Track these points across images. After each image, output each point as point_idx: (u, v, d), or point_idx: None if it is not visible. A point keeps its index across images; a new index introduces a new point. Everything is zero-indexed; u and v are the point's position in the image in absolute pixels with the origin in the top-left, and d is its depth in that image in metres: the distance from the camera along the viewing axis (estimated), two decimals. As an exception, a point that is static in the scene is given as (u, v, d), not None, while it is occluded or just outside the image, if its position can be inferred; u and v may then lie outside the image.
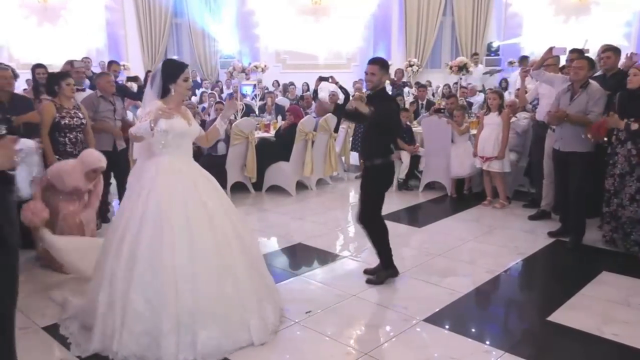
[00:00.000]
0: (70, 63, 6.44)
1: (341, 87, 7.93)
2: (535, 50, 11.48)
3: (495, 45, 13.07)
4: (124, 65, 11.12)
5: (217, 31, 14.38)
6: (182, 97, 3.18)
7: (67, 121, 4.54)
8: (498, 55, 12.97)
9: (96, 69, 10.41)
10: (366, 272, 4.07)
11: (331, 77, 7.77)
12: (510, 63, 12.17)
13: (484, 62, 13.03)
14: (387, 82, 4.28)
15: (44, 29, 12.64)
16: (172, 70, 3.11)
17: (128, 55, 13.64)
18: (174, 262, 2.85)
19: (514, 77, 10.26)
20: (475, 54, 12.50)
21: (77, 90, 6.07)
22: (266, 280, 3.31)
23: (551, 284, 4.22)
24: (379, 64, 3.80)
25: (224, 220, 3.10)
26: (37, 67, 6.55)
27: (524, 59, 10.02)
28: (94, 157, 4.20)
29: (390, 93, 7.35)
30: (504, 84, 11.14)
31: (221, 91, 11.77)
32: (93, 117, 5.05)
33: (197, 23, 14.32)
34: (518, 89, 6.62)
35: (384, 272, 3.99)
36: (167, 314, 2.80)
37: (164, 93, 3.09)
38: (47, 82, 4.77)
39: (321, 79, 7.95)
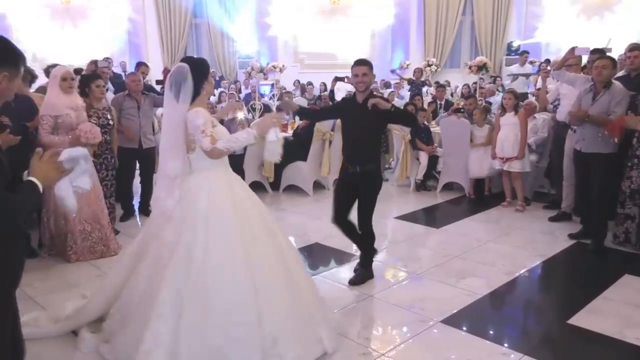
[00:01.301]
0: (95, 63, 6.55)
1: None
2: (556, 50, 11.32)
3: (515, 44, 12.91)
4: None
5: (235, 31, 14.46)
6: (208, 97, 3.00)
7: (93, 121, 4.59)
8: (518, 55, 12.80)
9: (117, 69, 10.56)
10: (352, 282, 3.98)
11: (347, 77, 7.77)
12: (531, 63, 12.01)
13: (504, 62, 12.89)
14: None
15: (66, 30, 12.84)
16: (203, 68, 2.86)
17: (148, 55, 13.78)
18: (255, 287, 2.62)
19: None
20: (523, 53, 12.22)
21: None
22: (313, 284, 3.22)
23: (571, 286, 4.16)
24: (368, 64, 3.80)
25: (276, 231, 2.96)
26: (50, 68, 6.68)
27: (524, 54, 9.94)
28: (86, 126, 4.23)
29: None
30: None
31: (239, 91, 11.83)
32: (118, 116, 5.16)
33: (216, 23, 14.41)
34: (539, 89, 6.54)
35: (364, 270, 4.00)
36: (253, 347, 2.58)
37: (196, 95, 2.80)
38: (79, 83, 4.87)
39: (337, 79, 7.95)
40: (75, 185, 2.11)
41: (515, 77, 10.72)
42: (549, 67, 7.11)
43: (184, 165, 2.85)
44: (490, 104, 8.75)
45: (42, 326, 3.11)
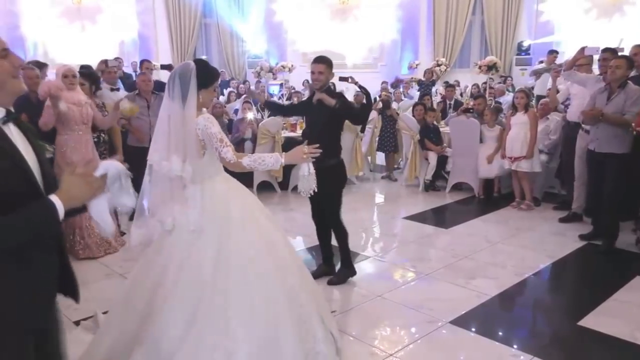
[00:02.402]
0: (105, 62, 6.59)
1: (360, 87, 7.91)
2: (567, 49, 11.23)
3: (525, 44, 12.83)
4: (154, 65, 11.31)
5: (245, 31, 14.51)
6: (204, 107, 2.73)
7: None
8: (529, 54, 12.73)
9: (127, 69, 10.62)
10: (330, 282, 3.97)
11: (350, 77, 7.75)
12: (541, 62, 11.93)
13: (514, 62, 12.81)
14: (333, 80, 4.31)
15: (78, 29, 12.97)
16: (209, 74, 2.69)
17: (158, 55, 13.87)
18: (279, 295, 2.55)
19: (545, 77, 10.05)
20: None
21: (112, 90, 6.23)
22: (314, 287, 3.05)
23: (582, 288, 4.13)
24: (326, 62, 3.81)
25: (280, 235, 2.87)
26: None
27: (552, 53, 9.81)
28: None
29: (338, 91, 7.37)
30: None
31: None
32: (129, 115, 5.19)
33: (226, 23, 14.47)
34: (549, 90, 6.50)
35: (344, 270, 4.00)
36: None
37: (191, 99, 2.61)
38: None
39: (341, 79, 7.94)
40: (116, 204, 1.80)
41: (538, 75, 10.57)
42: (559, 67, 7.05)
43: (192, 169, 2.61)
44: (500, 104, 8.70)
45: None
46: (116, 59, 9.44)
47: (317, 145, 2.71)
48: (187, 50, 14.37)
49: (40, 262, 1.52)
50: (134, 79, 7.81)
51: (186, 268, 2.51)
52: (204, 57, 14.83)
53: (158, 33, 14.16)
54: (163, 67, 7.67)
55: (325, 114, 3.76)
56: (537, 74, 10.18)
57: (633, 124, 4.31)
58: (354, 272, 4.02)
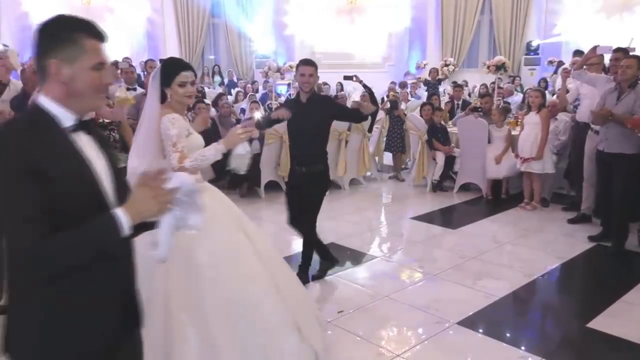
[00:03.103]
0: (115, 64, 6.66)
1: (365, 86, 7.90)
2: (574, 48, 11.15)
3: (534, 44, 12.75)
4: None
5: (253, 31, 14.54)
6: (182, 105, 2.66)
7: (98, 119, 4.65)
8: (537, 54, 12.65)
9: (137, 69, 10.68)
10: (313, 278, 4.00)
11: (355, 76, 7.72)
12: (550, 62, 11.85)
13: (523, 62, 12.74)
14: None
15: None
16: (167, 70, 2.62)
17: (166, 55, 13.93)
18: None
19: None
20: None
21: (128, 89, 6.27)
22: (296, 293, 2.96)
23: (591, 289, 4.09)
24: (315, 65, 3.80)
25: (256, 233, 2.84)
26: None
27: (577, 54, 9.70)
28: None
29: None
30: (543, 84, 10.86)
31: (256, 90, 11.90)
32: (137, 114, 5.22)
33: (234, 23, 14.51)
34: (559, 90, 6.46)
35: (324, 263, 4.03)
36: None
37: (162, 98, 2.63)
38: None
39: (345, 77, 7.95)
40: (184, 224, 1.50)
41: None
42: (567, 66, 7.00)
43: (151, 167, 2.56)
44: (508, 104, 8.66)
45: None
46: (124, 59, 9.50)
47: (253, 128, 2.70)
48: (195, 50, 14.42)
49: (100, 281, 1.38)
50: (142, 78, 7.86)
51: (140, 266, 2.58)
52: (211, 57, 14.93)
53: (166, 33, 14.22)
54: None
55: (316, 118, 3.72)
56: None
57: (625, 121, 4.26)
58: (336, 259, 4.08)
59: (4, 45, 11.63)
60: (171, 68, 2.63)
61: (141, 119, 2.68)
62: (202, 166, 2.57)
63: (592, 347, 3.13)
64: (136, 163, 2.63)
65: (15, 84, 5.09)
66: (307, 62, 3.82)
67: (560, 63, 9.81)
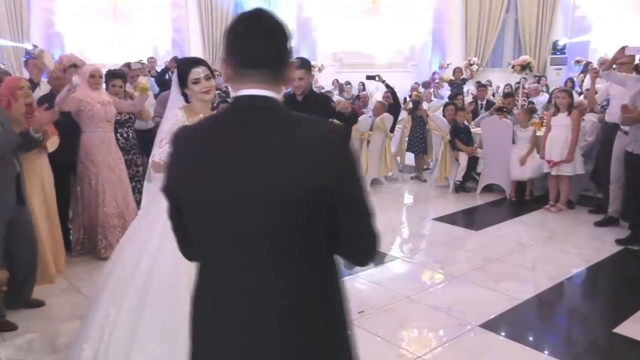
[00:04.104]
0: (128, 65, 6.74)
1: (387, 86, 7.87)
2: (605, 48, 10.92)
3: (561, 43, 12.52)
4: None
5: (275, 31, 14.60)
6: (204, 103, 2.57)
7: (115, 116, 4.65)
8: (564, 53, 12.42)
9: (161, 68, 10.82)
10: None
11: (377, 75, 7.71)
12: (577, 62, 11.63)
13: (549, 61, 12.52)
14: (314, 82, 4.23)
15: (113, 30, 13.27)
16: (180, 72, 2.57)
17: (190, 54, 14.06)
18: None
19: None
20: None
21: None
22: None
23: (619, 293, 4.00)
24: (305, 66, 3.70)
25: None
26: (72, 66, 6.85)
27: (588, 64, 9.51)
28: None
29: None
30: (570, 84, 10.66)
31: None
32: (163, 112, 5.25)
33: (257, 23, 14.61)
34: (587, 90, 6.33)
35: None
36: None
37: (186, 100, 2.60)
38: (104, 79, 4.99)
39: (368, 77, 7.93)
40: None
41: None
42: (596, 66, 6.86)
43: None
44: (533, 104, 8.52)
45: (37, 351, 2.92)
46: (149, 59, 9.63)
47: None
48: (219, 50, 14.54)
49: None
50: (167, 77, 7.93)
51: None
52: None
53: (191, 32, 14.38)
54: (177, 60, 7.75)
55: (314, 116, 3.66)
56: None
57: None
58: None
59: (34, 45, 11.93)
60: (183, 68, 2.58)
61: (162, 123, 2.68)
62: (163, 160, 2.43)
63: (618, 353, 3.06)
64: (153, 152, 2.59)
65: (46, 84, 5.21)
66: (296, 65, 3.65)
67: (588, 63, 9.61)
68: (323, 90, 10.87)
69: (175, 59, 7.55)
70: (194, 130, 1.30)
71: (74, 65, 4.15)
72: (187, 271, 2.20)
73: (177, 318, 2.17)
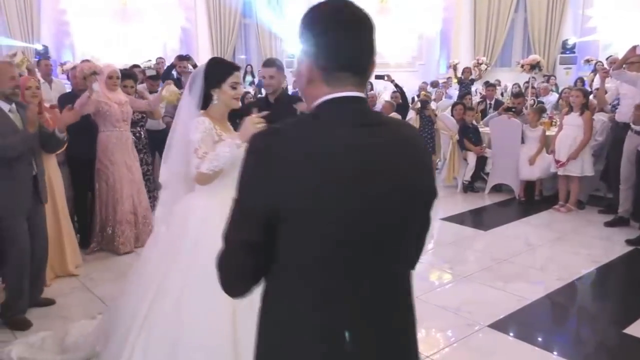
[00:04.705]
0: (134, 67, 6.83)
1: (396, 85, 7.85)
2: (612, 47, 10.84)
3: (570, 42, 12.43)
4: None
5: (283, 31, 14.62)
6: (227, 108, 2.47)
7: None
8: (574, 53, 12.33)
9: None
10: None
11: (387, 75, 7.70)
12: (587, 61, 11.54)
13: (558, 60, 12.43)
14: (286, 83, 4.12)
15: (122, 30, 13.35)
16: (217, 71, 2.43)
17: (198, 56, 14.13)
18: (237, 336, 2.22)
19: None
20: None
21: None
22: None
23: (629, 294, 3.97)
24: (277, 65, 3.66)
25: None
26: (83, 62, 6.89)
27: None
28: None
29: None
30: (580, 83, 10.58)
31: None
32: (173, 112, 5.32)
33: (265, 23, 14.63)
34: (597, 89, 6.29)
35: None
36: None
37: (205, 102, 2.43)
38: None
39: (377, 77, 7.93)
40: None
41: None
42: (606, 66, 6.82)
43: (177, 177, 2.48)
44: (542, 103, 8.48)
45: (47, 350, 2.91)
46: (158, 59, 9.67)
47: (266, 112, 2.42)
48: (227, 51, 14.59)
49: None
50: (175, 77, 7.95)
51: (136, 278, 2.55)
52: (242, 57, 15.07)
53: (199, 34, 14.43)
54: (181, 57, 7.72)
55: (284, 118, 3.46)
56: None
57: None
58: None
59: (44, 45, 12.04)
60: (224, 68, 2.46)
61: (174, 124, 2.54)
62: (220, 166, 2.27)
63: (629, 353, 3.04)
64: (165, 173, 2.51)
65: (57, 83, 5.28)
66: (267, 64, 3.68)
67: (599, 62, 9.53)
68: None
69: (180, 56, 7.55)
70: (291, 138, 1.08)
71: (94, 73, 4.24)
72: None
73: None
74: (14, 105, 3.15)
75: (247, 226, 1.09)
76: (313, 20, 1.13)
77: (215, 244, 1.89)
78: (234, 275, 1.16)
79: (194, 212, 2.36)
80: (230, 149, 2.26)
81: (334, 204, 1.04)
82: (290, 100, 3.81)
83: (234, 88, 2.42)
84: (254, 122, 2.29)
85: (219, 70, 2.44)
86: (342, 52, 1.10)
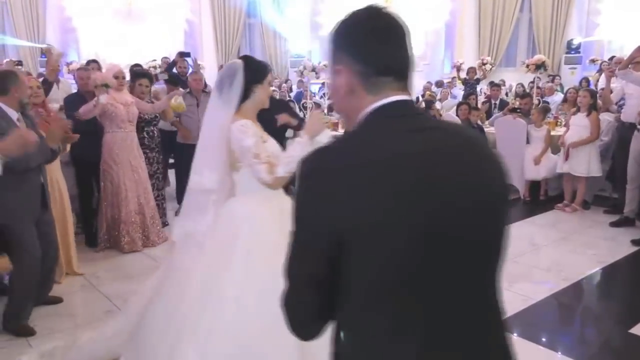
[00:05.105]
0: (135, 66, 6.88)
1: None
2: (617, 47, 10.81)
3: (575, 42, 12.40)
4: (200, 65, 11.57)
5: (288, 30, 14.65)
6: (258, 108, 2.40)
7: (142, 115, 4.84)
8: (579, 52, 12.30)
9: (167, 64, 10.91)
10: None
11: None
12: (592, 61, 11.51)
13: (563, 60, 12.41)
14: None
15: (127, 31, 13.41)
16: (259, 67, 2.39)
17: (203, 55, 14.18)
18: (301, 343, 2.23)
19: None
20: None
21: None
22: None
23: (634, 294, 3.97)
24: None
25: None
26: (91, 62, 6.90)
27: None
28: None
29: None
30: (585, 83, 10.56)
31: (290, 89, 11.99)
32: (179, 113, 5.37)
33: (269, 23, 14.65)
34: (602, 89, 6.28)
35: None
36: None
37: (244, 99, 2.32)
38: (130, 77, 5.15)
39: None
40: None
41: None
42: (612, 66, 6.80)
43: (224, 182, 2.37)
44: (547, 103, 8.47)
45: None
46: (163, 59, 9.72)
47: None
48: (231, 50, 14.63)
49: None
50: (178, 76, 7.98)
51: (175, 283, 2.39)
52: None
53: (204, 34, 14.48)
54: (182, 54, 7.73)
55: (271, 124, 3.31)
56: None
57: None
58: None
59: (49, 45, 12.10)
60: (262, 69, 2.39)
61: (207, 128, 2.41)
62: (294, 167, 2.15)
63: (634, 353, 3.04)
64: (208, 175, 2.37)
65: (64, 83, 5.32)
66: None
67: (604, 62, 9.52)
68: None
69: (180, 53, 7.57)
70: (344, 156, 0.99)
71: (106, 85, 4.26)
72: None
73: None
74: (19, 113, 3.16)
75: (310, 258, 1.00)
76: (349, 28, 1.09)
77: (268, 249, 2.07)
78: (303, 315, 1.07)
79: (245, 217, 2.29)
80: (302, 149, 2.19)
81: (399, 220, 0.94)
82: (277, 105, 3.64)
83: (270, 85, 2.41)
84: (321, 118, 2.29)
85: (261, 65, 2.40)
86: (380, 56, 1.05)
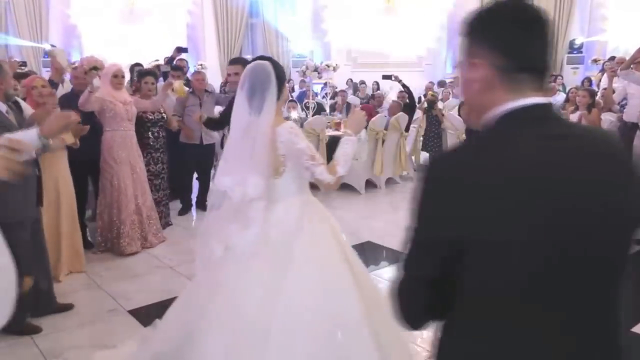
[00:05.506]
0: (136, 65, 6.92)
1: (404, 86, 7.88)
2: (619, 47, 10.80)
3: (578, 42, 12.39)
4: (201, 65, 11.58)
5: (290, 30, 14.66)
6: (283, 104, 2.41)
7: (148, 115, 4.86)
8: (581, 52, 12.29)
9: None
10: None
11: (394, 75, 7.76)
12: (595, 61, 11.51)
13: (565, 60, 12.40)
14: None
15: (130, 30, 13.45)
16: (282, 68, 2.37)
17: (205, 55, 14.21)
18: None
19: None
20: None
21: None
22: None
23: (636, 293, 3.93)
24: (242, 63, 3.63)
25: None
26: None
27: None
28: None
29: None
30: (587, 83, 10.55)
31: (292, 89, 12.00)
32: (182, 113, 5.39)
33: (271, 23, 14.67)
34: (605, 89, 6.28)
35: None
36: None
37: (269, 104, 2.26)
38: (136, 77, 5.19)
39: (384, 77, 7.99)
40: None
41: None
42: (613, 66, 6.80)
43: (267, 188, 2.24)
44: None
45: None
46: (166, 59, 9.73)
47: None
48: (234, 50, 14.64)
49: None
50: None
51: (230, 297, 2.23)
52: (248, 57, 15.13)
53: (206, 34, 14.49)
54: (180, 49, 7.75)
55: None
56: None
57: None
58: None
59: (52, 45, 12.14)
60: (282, 68, 2.37)
61: (243, 135, 2.25)
62: (348, 166, 2.27)
63: (636, 352, 3.04)
64: (254, 182, 2.21)
65: (68, 83, 5.33)
66: (233, 61, 3.71)
67: (606, 62, 9.52)
68: (337, 90, 10.90)
69: (178, 48, 7.60)
70: (475, 161, 0.96)
71: (95, 68, 4.23)
72: None
73: None
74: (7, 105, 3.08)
75: (428, 259, 1.01)
76: (489, 19, 1.02)
77: (322, 247, 2.20)
78: (413, 307, 1.09)
79: (297, 220, 2.25)
80: (352, 145, 2.23)
81: (527, 232, 0.91)
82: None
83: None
84: (362, 116, 2.31)
85: (283, 69, 2.36)
86: (523, 50, 0.99)
